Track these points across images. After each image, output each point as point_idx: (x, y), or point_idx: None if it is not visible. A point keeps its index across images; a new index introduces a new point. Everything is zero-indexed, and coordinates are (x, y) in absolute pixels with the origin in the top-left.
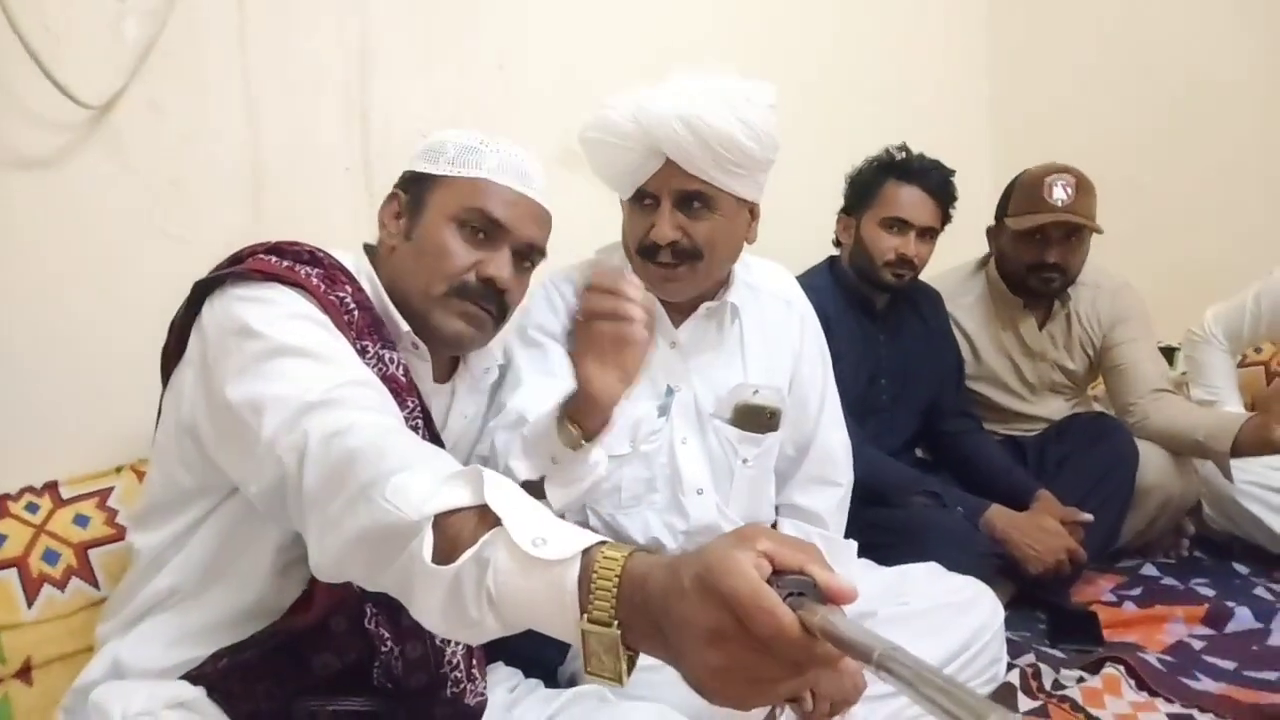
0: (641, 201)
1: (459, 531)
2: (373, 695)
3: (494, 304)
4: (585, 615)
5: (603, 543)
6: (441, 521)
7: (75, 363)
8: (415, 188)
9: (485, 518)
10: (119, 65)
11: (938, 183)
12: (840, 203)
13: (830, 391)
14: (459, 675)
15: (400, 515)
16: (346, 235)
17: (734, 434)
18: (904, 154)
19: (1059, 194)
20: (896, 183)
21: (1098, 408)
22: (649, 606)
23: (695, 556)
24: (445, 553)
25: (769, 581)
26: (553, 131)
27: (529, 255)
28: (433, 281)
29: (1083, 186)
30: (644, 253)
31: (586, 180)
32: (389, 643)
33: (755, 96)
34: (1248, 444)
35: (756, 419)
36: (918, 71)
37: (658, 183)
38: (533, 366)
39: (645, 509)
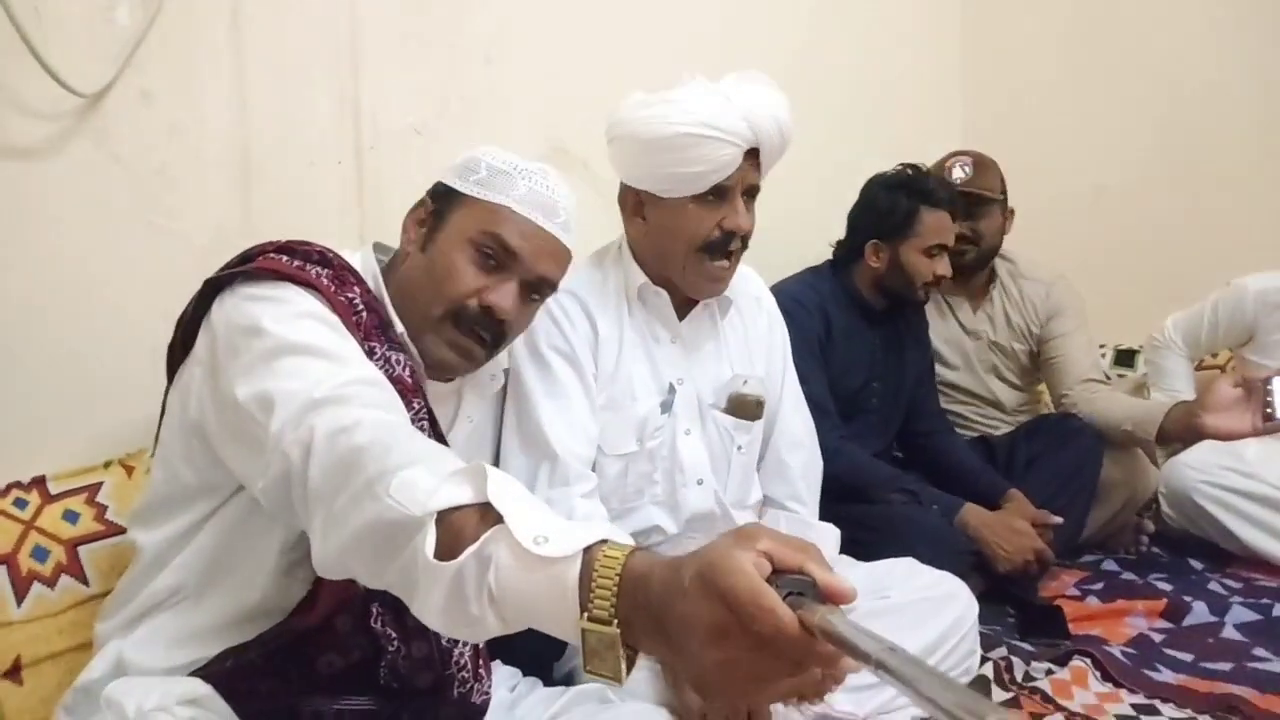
0: (708, 198)
1: (462, 528)
2: (378, 694)
3: (490, 332)
4: (585, 613)
5: (603, 541)
6: (445, 518)
7: (62, 355)
8: (443, 201)
9: (488, 515)
10: (111, 53)
11: (953, 200)
12: (816, 202)
13: (790, 378)
14: (466, 675)
15: (404, 511)
16: (336, 228)
17: (730, 422)
18: (921, 176)
19: (958, 173)
20: (929, 209)
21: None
22: (650, 605)
23: (696, 555)
24: (448, 549)
25: (769, 580)
26: (539, 126)
27: (538, 288)
28: (434, 302)
29: (981, 165)
30: (712, 247)
31: (575, 180)
32: (395, 642)
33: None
34: (1173, 431)
35: (746, 408)
36: (890, 69)
37: (737, 177)
38: (542, 388)
39: (648, 503)
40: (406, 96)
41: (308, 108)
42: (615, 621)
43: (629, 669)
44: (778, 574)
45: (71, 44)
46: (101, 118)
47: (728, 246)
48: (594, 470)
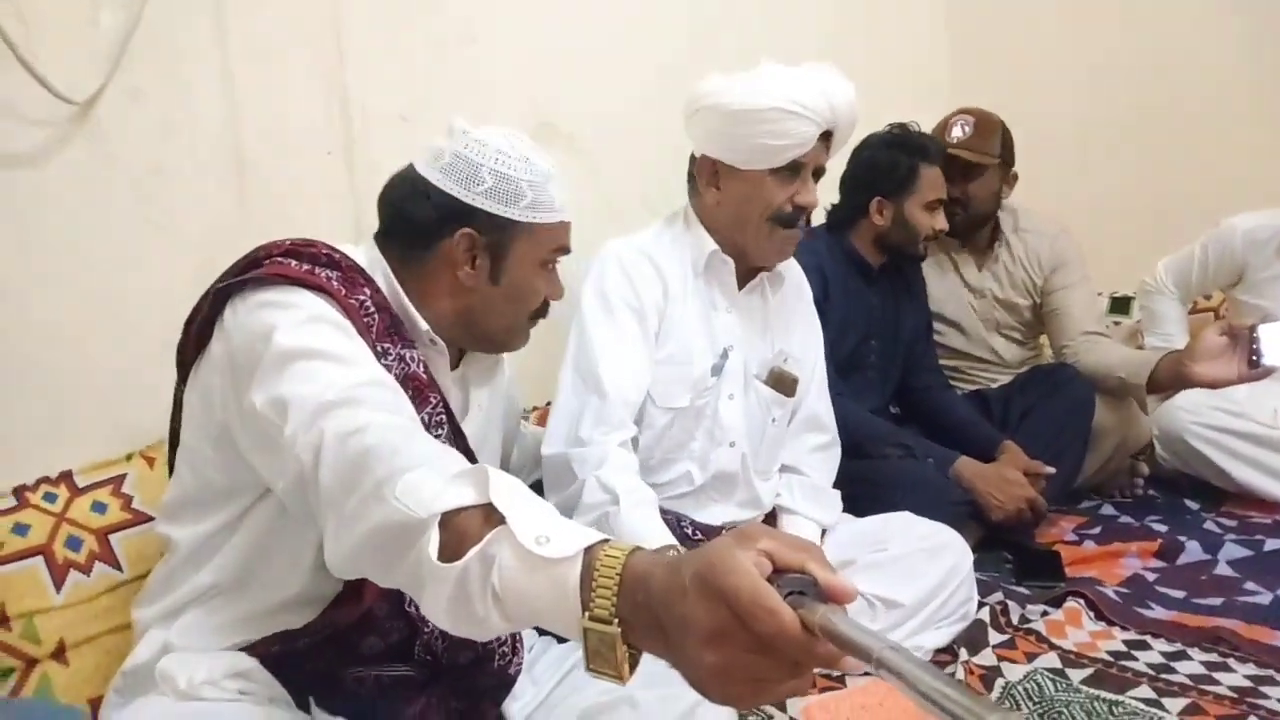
0: (784, 172)
1: (465, 529)
2: (416, 664)
3: (542, 315)
4: (587, 613)
5: (605, 541)
6: (449, 520)
7: (74, 355)
8: (495, 233)
9: (491, 516)
10: (98, 57)
11: (943, 156)
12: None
13: (821, 366)
14: (505, 650)
15: (410, 513)
16: (330, 218)
17: (769, 394)
18: (913, 134)
19: (956, 132)
20: (928, 166)
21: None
22: (650, 605)
23: (696, 555)
24: (452, 550)
25: (769, 580)
26: (525, 105)
27: None
28: (520, 317)
29: (982, 126)
30: (784, 218)
31: (562, 154)
32: (430, 624)
33: None
34: (1163, 380)
35: (785, 383)
36: (874, 16)
37: (812, 155)
38: (607, 333)
39: (684, 456)
40: (391, 81)
41: (296, 99)
42: (616, 621)
43: (632, 669)
44: (778, 574)
45: (58, 50)
46: (94, 121)
47: (797, 221)
48: (640, 422)
